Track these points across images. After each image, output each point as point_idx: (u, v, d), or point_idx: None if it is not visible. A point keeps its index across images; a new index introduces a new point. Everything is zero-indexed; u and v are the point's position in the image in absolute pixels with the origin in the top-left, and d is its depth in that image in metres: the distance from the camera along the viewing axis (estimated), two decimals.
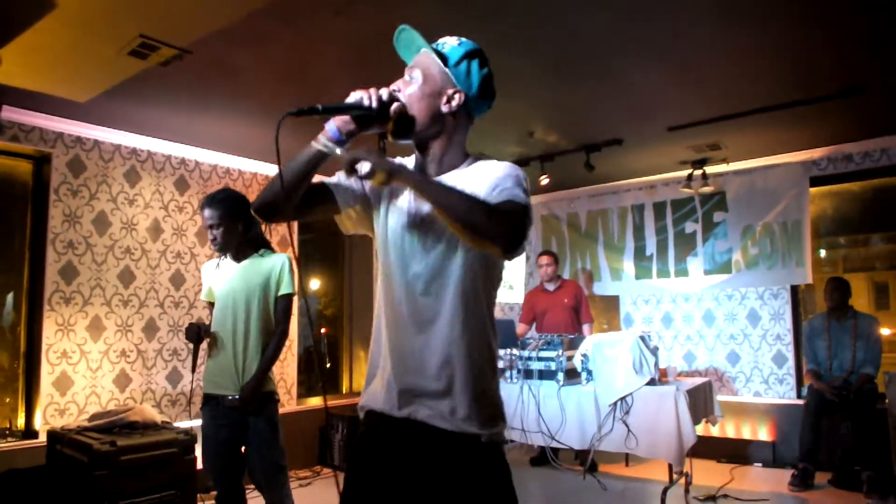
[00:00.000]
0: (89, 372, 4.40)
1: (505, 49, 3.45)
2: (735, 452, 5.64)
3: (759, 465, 5.49)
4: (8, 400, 4.29)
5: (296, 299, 3.49)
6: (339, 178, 1.63)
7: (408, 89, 1.52)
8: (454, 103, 1.52)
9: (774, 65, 3.74)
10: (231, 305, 3.03)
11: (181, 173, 5.05)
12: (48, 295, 4.24)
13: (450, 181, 1.48)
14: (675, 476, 4.36)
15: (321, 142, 1.48)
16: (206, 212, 2.98)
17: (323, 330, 6.61)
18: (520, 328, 5.63)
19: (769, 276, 5.71)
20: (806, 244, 5.50)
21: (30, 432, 4.22)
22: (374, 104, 1.44)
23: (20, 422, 4.28)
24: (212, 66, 3.56)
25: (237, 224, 3.02)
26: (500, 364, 4.57)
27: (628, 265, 6.53)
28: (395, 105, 1.47)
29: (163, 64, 3.42)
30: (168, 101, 4.08)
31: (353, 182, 1.63)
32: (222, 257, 3.15)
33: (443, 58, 1.54)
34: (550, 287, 5.66)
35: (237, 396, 2.95)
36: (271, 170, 5.66)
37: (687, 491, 4.58)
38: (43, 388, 4.19)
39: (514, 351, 4.53)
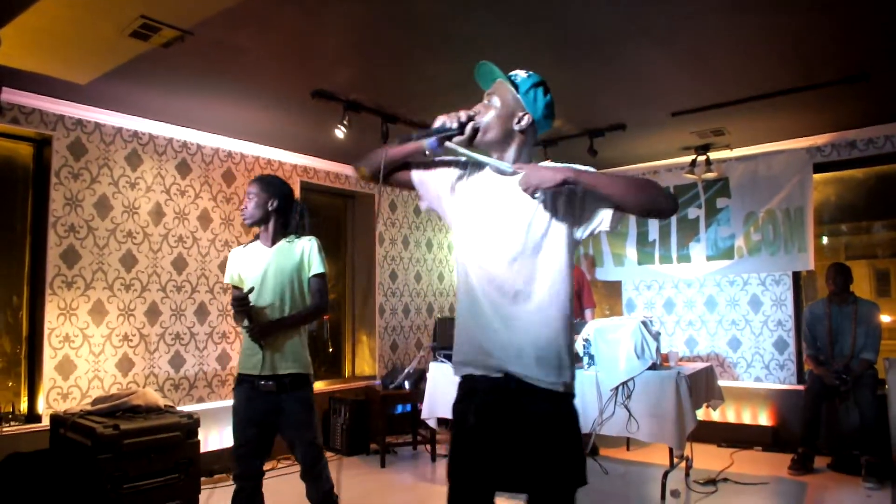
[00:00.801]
0: (92, 356, 4.40)
1: (509, 33, 3.42)
2: (735, 437, 5.66)
3: (759, 449, 5.51)
4: (11, 384, 4.29)
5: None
6: (426, 167, 2.06)
7: (488, 112, 1.90)
8: (523, 123, 1.90)
9: (779, 51, 3.71)
10: (269, 287, 3.06)
11: (183, 156, 5.03)
12: (50, 279, 4.23)
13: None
14: (675, 460, 4.39)
15: (424, 146, 1.93)
16: (249, 186, 3.14)
17: (325, 315, 6.61)
18: None
19: (771, 263, 5.71)
20: (808, 231, 5.49)
21: (33, 416, 4.23)
22: (456, 125, 1.87)
23: (23, 406, 4.28)
24: (214, 48, 3.53)
25: (269, 201, 3.09)
26: None
27: (631, 251, 6.53)
28: (470, 124, 1.88)
29: (164, 45, 3.40)
30: (169, 83, 4.05)
31: (435, 174, 2.04)
32: (250, 241, 3.23)
33: (515, 86, 1.91)
34: None
35: (270, 381, 2.97)
36: (274, 153, 5.65)
37: (687, 475, 4.61)
38: (46, 372, 4.19)
39: None
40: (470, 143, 1.91)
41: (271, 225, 3.13)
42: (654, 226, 6.37)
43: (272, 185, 3.14)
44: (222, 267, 5.20)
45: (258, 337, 2.95)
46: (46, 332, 4.21)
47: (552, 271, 1.81)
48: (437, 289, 7.27)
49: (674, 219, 6.24)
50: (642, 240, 6.45)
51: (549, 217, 1.82)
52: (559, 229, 1.82)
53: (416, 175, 2.04)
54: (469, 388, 1.92)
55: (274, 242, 3.13)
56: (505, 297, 1.82)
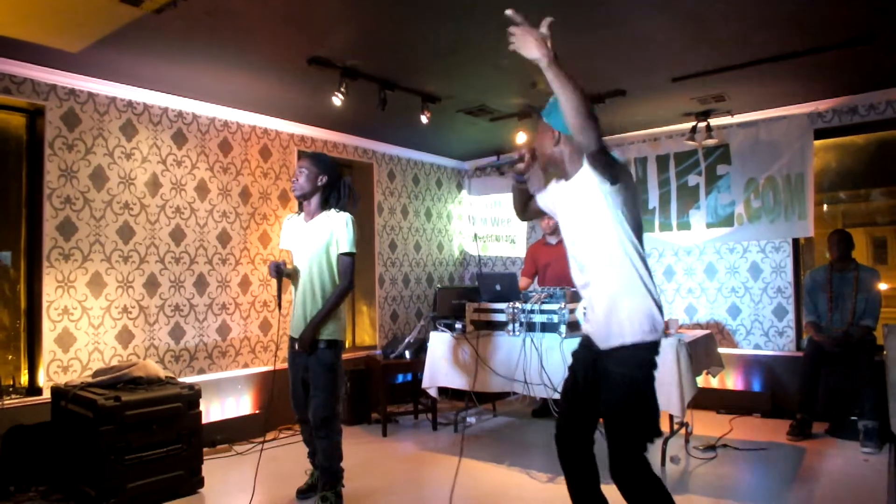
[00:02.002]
0: (91, 328, 4.39)
1: None
2: (735, 403, 5.70)
3: (758, 415, 5.55)
4: (11, 357, 4.28)
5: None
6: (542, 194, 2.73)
7: (539, 140, 2.53)
8: (556, 140, 2.44)
9: (781, 14, 3.63)
10: (303, 260, 3.38)
11: (178, 126, 4.96)
12: (47, 251, 4.20)
13: (572, 185, 2.43)
14: (675, 426, 4.42)
15: (514, 182, 2.73)
16: (300, 161, 3.40)
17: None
18: (522, 282, 5.62)
19: (771, 230, 5.69)
20: (809, 197, 5.46)
21: (34, 389, 4.23)
22: (517, 156, 2.65)
23: (24, 379, 4.28)
24: (207, 14, 3.44)
25: (319, 176, 3.37)
26: (504, 317, 4.57)
27: None
28: (527, 156, 2.63)
29: (156, 11, 3.32)
30: (163, 50, 3.96)
31: (547, 195, 2.69)
32: (298, 212, 3.52)
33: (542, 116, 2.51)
34: (552, 240, 5.63)
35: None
36: (270, 122, 5.58)
37: (687, 441, 4.65)
38: (45, 345, 4.18)
39: (517, 304, 4.52)
40: (530, 165, 2.65)
41: (315, 199, 3.39)
42: (654, 193, 6.33)
43: (323, 161, 3.41)
44: (220, 237, 5.17)
45: (303, 349, 3.33)
46: (45, 304, 4.18)
47: (614, 251, 2.34)
48: (436, 258, 7.26)
49: (674, 186, 6.21)
50: (642, 207, 6.42)
51: (587, 204, 2.32)
52: (597, 214, 2.31)
53: (540, 201, 2.72)
54: (583, 339, 2.59)
55: (313, 217, 3.39)
56: (587, 275, 2.44)
